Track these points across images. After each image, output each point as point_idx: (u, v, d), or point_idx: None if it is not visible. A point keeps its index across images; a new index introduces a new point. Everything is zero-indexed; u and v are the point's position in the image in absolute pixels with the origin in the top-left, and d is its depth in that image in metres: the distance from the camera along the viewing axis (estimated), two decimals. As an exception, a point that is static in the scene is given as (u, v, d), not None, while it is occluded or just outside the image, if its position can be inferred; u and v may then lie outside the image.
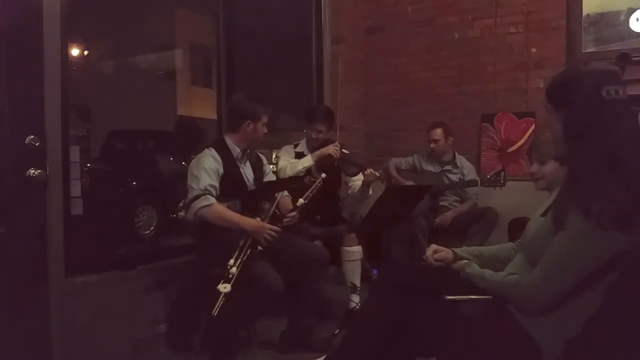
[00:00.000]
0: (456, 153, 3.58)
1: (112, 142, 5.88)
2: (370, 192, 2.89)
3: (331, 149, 2.78)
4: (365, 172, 2.75)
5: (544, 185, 1.72)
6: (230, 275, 1.94)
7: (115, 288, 2.27)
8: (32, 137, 1.81)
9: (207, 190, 2.22)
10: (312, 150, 2.96)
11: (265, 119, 2.44)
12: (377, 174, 2.75)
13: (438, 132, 3.48)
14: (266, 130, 2.47)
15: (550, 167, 1.70)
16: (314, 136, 2.91)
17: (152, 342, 2.41)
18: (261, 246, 2.16)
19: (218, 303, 1.85)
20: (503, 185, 3.01)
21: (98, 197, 4.28)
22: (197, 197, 2.20)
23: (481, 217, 3.30)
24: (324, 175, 2.49)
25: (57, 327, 1.94)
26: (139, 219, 4.78)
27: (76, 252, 2.06)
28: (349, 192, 3.00)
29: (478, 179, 3.31)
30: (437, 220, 3.34)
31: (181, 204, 2.29)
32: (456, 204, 3.48)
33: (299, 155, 2.96)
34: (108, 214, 4.14)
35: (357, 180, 2.92)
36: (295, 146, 3.04)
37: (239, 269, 1.98)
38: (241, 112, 2.43)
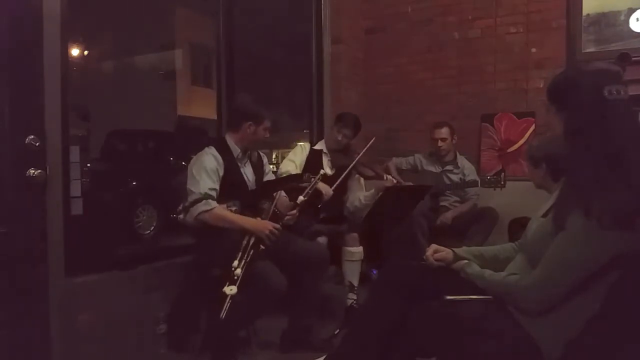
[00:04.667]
0: (457, 153, 3.58)
1: (112, 142, 5.89)
2: (375, 200, 2.91)
3: (325, 190, 2.66)
4: (386, 177, 2.82)
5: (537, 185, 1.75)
6: (236, 277, 1.93)
7: (115, 288, 2.26)
8: (32, 137, 1.80)
9: (207, 194, 2.21)
10: (330, 151, 2.99)
11: (267, 124, 2.44)
12: (395, 180, 2.84)
13: (444, 131, 3.47)
14: (268, 135, 2.47)
15: (529, 170, 1.74)
16: (339, 138, 2.95)
17: (152, 342, 2.40)
18: (265, 245, 2.16)
19: (225, 306, 1.84)
20: (503, 186, 3.01)
21: (98, 197, 4.28)
22: (197, 201, 2.20)
23: (481, 217, 3.30)
24: (322, 171, 2.51)
25: (57, 327, 1.94)
26: (139, 219, 4.78)
27: (76, 252, 2.05)
28: (355, 204, 2.99)
29: (479, 179, 3.31)
30: (438, 220, 3.33)
31: (181, 207, 2.29)
32: (456, 204, 3.47)
33: (315, 153, 2.98)
34: (108, 214, 4.15)
35: (357, 192, 2.98)
36: (312, 144, 3.07)
37: (243, 269, 1.98)
38: (244, 112, 2.45)
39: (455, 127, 3.57)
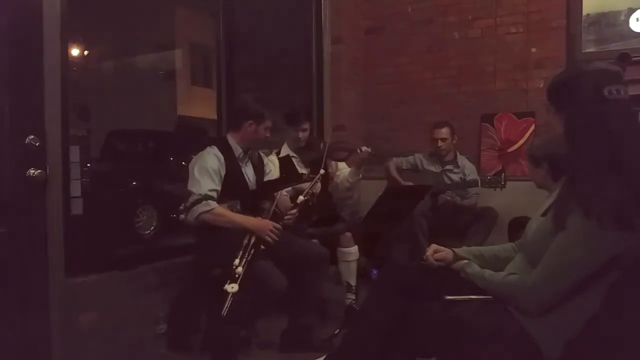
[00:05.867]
0: (458, 153, 3.58)
1: (112, 142, 5.88)
2: (360, 175, 2.93)
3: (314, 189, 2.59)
4: (359, 150, 2.82)
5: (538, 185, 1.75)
6: (237, 275, 1.93)
7: (115, 288, 2.27)
8: (32, 137, 1.80)
9: (207, 195, 2.21)
10: (297, 151, 2.95)
11: (268, 123, 2.45)
12: (369, 149, 2.82)
13: (444, 131, 3.46)
14: (268, 134, 2.47)
15: (530, 169, 1.74)
16: (300, 136, 2.91)
17: (152, 342, 2.40)
18: (265, 245, 2.16)
19: (227, 303, 1.84)
20: (503, 186, 3.00)
21: (98, 197, 4.28)
22: (197, 201, 2.20)
23: (481, 217, 3.30)
24: (322, 171, 2.50)
25: (57, 327, 1.94)
26: (139, 219, 4.77)
27: (76, 252, 2.06)
28: (337, 181, 3.00)
29: (479, 179, 3.31)
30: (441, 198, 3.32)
31: (182, 207, 2.29)
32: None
33: (285, 160, 2.94)
34: (108, 214, 4.14)
35: (343, 170, 2.98)
36: (277, 153, 3.00)
37: (244, 268, 1.98)
38: (245, 111, 2.46)
39: (455, 127, 3.57)
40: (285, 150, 2.99)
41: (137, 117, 6.56)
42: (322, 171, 2.50)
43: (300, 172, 2.86)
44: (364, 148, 2.83)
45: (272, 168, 2.88)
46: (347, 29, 4.11)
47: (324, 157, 2.70)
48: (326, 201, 2.98)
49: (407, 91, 4.14)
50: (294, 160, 2.95)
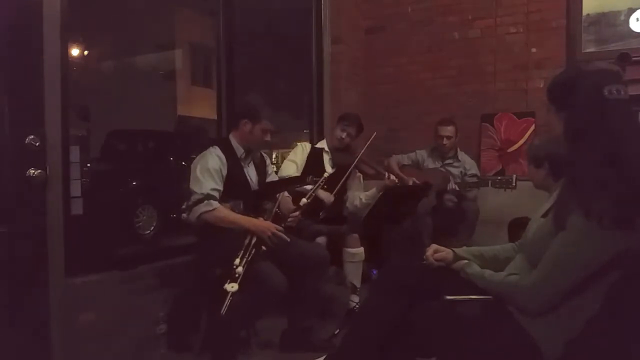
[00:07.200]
0: (458, 149, 3.57)
1: (112, 142, 5.89)
2: (374, 201, 2.95)
3: (326, 198, 2.70)
4: (387, 177, 2.86)
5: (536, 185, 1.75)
6: (237, 275, 1.93)
7: (115, 288, 2.26)
8: (32, 137, 1.80)
9: (209, 194, 2.21)
10: (332, 150, 2.98)
11: (266, 125, 2.43)
12: (396, 180, 2.87)
13: (450, 129, 3.46)
14: (268, 137, 2.46)
15: (530, 170, 1.74)
16: (343, 137, 2.94)
17: (152, 342, 2.40)
18: (266, 246, 2.16)
19: (226, 302, 1.84)
20: (514, 187, 2.97)
21: (98, 197, 4.28)
22: (200, 201, 2.20)
23: (464, 214, 3.30)
24: (326, 174, 2.51)
25: (57, 327, 1.94)
26: (139, 219, 4.78)
27: (76, 252, 2.06)
28: (349, 194, 3.01)
29: (479, 174, 3.30)
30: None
31: (184, 206, 2.29)
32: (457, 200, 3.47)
33: (317, 152, 2.98)
34: (108, 214, 4.14)
35: (357, 192, 2.99)
36: (315, 143, 3.06)
37: (244, 268, 1.98)
38: (243, 109, 2.47)
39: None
40: (322, 144, 3.05)
41: (137, 117, 6.57)
42: (325, 174, 2.50)
43: (325, 168, 2.88)
44: (392, 177, 2.87)
45: (300, 152, 2.94)
46: (347, 29, 4.11)
47: (352, 166, 2.73)
48: (338, 200, 2.98)
49: (407, 91, 4.14)
50: (325, 155, 2.98)
